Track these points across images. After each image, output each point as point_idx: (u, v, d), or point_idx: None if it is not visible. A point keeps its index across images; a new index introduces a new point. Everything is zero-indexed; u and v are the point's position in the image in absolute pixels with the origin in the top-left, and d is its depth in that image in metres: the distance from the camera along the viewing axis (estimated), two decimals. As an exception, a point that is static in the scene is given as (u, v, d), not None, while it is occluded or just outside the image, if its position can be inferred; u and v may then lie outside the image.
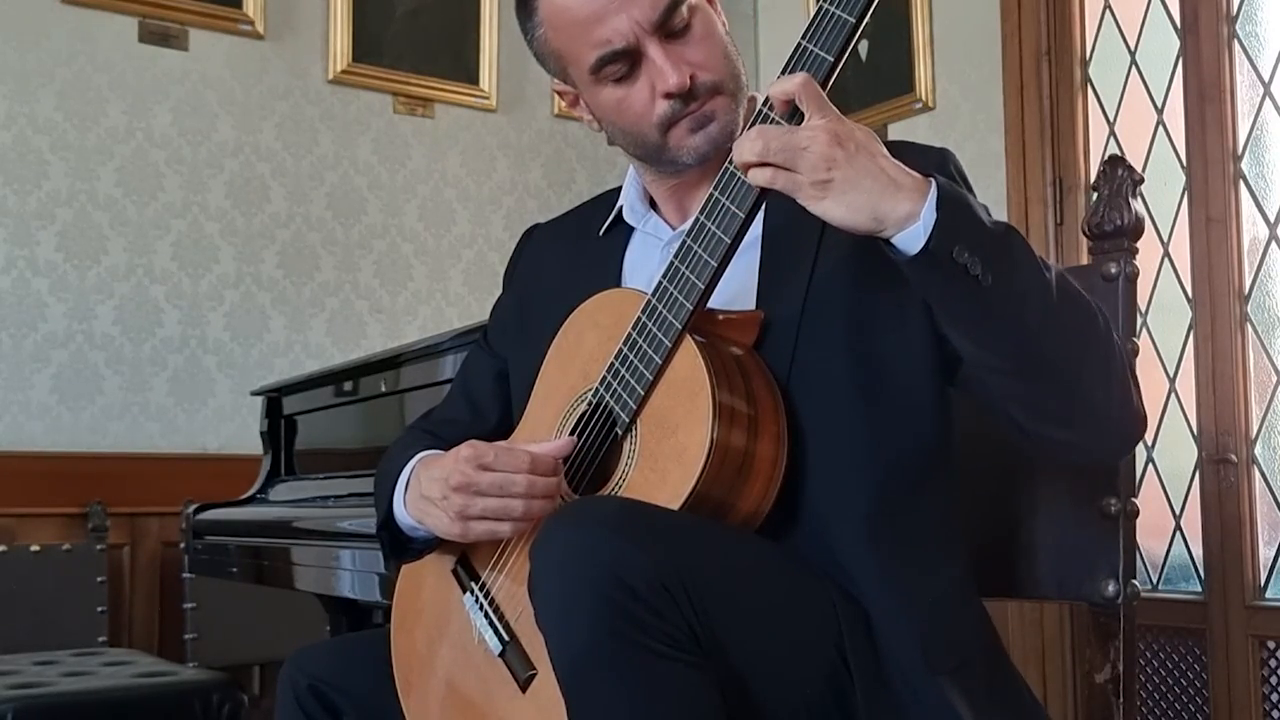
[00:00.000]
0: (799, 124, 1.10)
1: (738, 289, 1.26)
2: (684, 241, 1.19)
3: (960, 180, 1.27)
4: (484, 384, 1.51)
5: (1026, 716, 1.24)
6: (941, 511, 1.26)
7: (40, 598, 3.07)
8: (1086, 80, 3.34)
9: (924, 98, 3.69)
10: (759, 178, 1.10)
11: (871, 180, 1.06)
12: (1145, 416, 1.24)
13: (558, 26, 1.30)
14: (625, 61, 1.27)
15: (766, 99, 1.14)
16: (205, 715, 2.31)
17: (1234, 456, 2.88)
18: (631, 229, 1.41)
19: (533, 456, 1.21)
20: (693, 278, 1.17)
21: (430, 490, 1.27)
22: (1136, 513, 1.39)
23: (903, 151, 1.28)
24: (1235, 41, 2.99)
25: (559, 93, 1.40)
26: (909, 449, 1.22)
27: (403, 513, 1.35)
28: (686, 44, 1.26)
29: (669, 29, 1.25)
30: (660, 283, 1.20)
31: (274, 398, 2.78)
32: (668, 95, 1.26)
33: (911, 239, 1.06)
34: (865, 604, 1.17)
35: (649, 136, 1.30)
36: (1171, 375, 3.05)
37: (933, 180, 1.08)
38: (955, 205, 1.06)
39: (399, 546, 1.39)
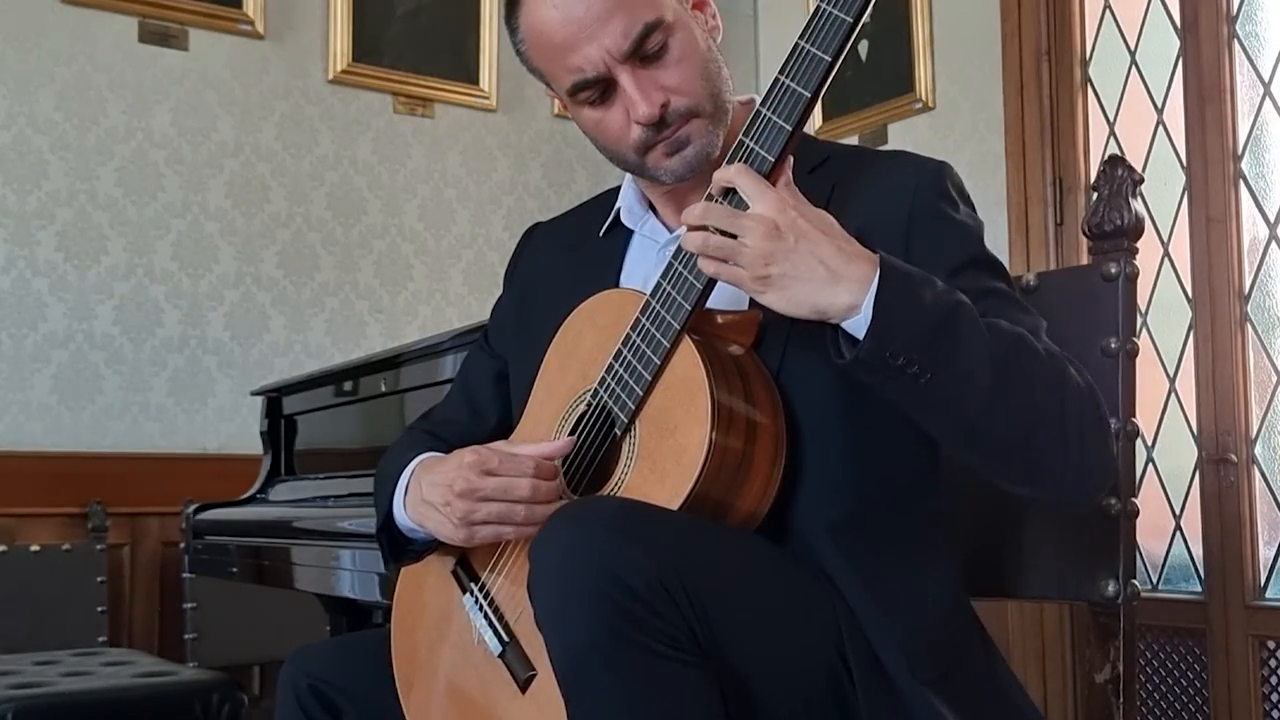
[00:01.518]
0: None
1: (735, 290, 1.26)
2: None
3: (956, 194, 1.26)
4: (483, 385, 1.51)
5: (1020, 721, 1.24)
6: (928, 519, 1.26)
7: (40, 598, 3.07)
8: (1086, 80, 3.34)
9: (924, 98, 3.69)
10: (706, 268, 1.13)
11: (809, 273, 1.08)
12: (1111, 466, 1.25)
13: (535, 46, 1.30)
14: (598, 88, 1.27)
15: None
16: (205, 715, 2.31)
17: (1234, 456, 2.88)
18: (631, 231, 1.42)
19: (536, 462, 1.21)
20: (691, 279, 1.17)
21: (432, 495, 1.27)
22: (1136, 513, 1.39)
23: (901, 161, 1.29)
24: (1235, 41, 2.99)
25: (551, 96, 1.41)
26: (894, 456, 1.23)
27: (402, 515, 1.35)
28: (662, 68, 1.26)
29: (642, 54, 1.25)
30: (659, 284, 1.20)
31: (274, 398, 2.78)
32: (640, 123, 1.26)
33: (856, 327, 1.08)
34: (852, 609, 1.17)
35: (627, 157, 1.31)
36: (1171, 375, 3.04)
37: (878, 268, 1.08)
38: (893, 302, 1.07)
39: (398, 548, 1.39)
